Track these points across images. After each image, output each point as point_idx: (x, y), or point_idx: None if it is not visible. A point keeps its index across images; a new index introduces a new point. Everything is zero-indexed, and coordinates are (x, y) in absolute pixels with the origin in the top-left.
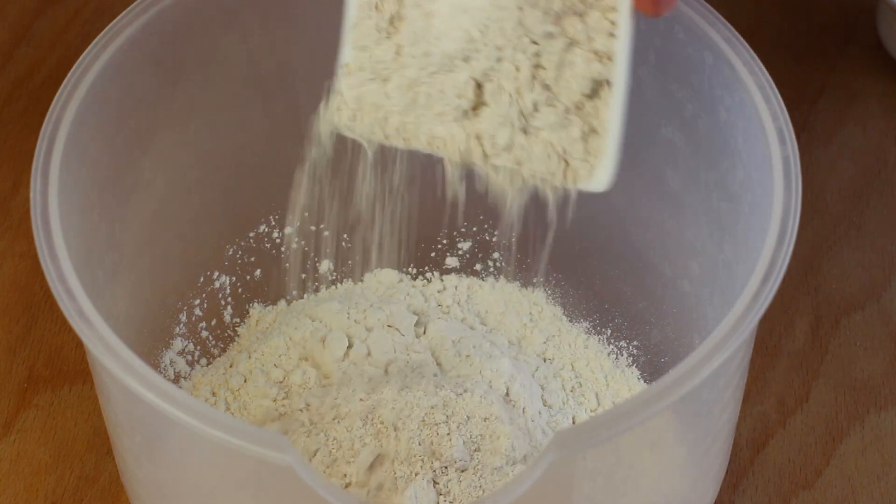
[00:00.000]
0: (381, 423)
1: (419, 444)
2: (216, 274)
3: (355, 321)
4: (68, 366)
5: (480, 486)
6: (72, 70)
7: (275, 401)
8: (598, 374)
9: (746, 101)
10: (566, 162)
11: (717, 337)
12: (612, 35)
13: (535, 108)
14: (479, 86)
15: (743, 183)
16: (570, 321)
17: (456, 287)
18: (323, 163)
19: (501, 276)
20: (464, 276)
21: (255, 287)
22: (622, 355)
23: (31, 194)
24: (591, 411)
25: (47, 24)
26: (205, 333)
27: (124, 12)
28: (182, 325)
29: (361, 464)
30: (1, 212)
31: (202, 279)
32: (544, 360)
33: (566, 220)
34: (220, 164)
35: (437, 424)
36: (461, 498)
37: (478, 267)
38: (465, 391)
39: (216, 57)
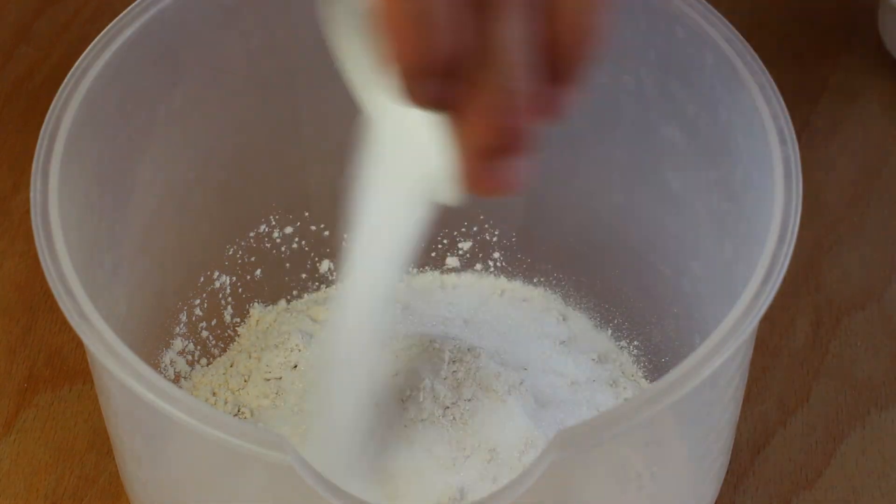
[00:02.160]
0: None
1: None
2: (216, 274)
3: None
4: (68, 366)
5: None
6: (72, 70)
7: (274, 401)
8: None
9: (747, 101)
10: None
11: (717, 337)
12: None
13: None
14: None
15: (743, 183)
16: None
17: (455, 287)
18: None
19: (502, 276)
20: (464, 275)
21: (255, 287)
22: (623, 355)
23: (31, 194)
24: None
25: (47, 24)
26: (205, 333)
27: (124, 12)
28: (182, 325)
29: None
30: (1, 212)
31: (202, 279)
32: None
33: None
34: (219, 164)
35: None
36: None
37: (478, 267)
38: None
39: (216, 57)
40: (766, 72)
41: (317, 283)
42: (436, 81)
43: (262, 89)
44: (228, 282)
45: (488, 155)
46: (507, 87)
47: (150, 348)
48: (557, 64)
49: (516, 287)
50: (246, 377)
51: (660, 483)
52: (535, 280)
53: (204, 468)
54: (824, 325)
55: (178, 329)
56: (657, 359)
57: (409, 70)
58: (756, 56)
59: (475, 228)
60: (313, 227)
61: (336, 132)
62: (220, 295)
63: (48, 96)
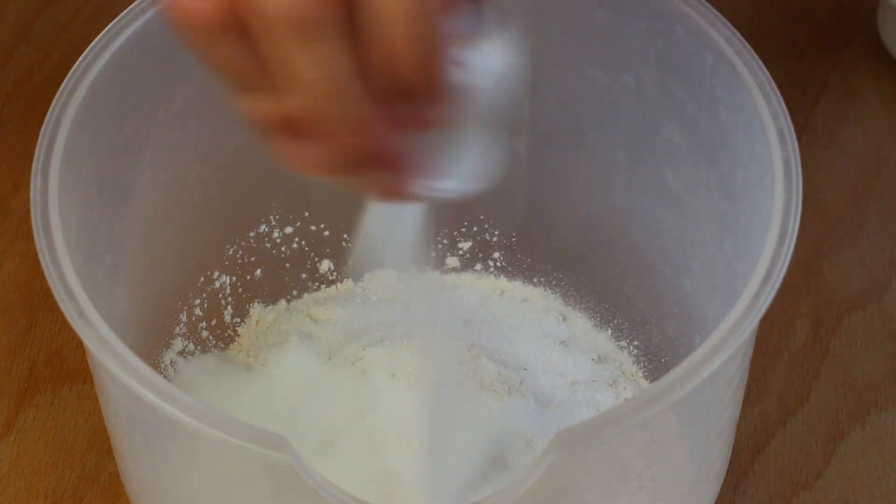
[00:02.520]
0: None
1: None
2: (216, 274)
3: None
4: (68, 366)
5: None
6: (72, 70)
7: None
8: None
9: (747, 101)
10: None
11: (717, 337)
12: None
13: None
14: None
15: (743, 183)
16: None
17: (456, 287)
18: None
19: (502, 276)
20: (464, 275)
21: (255, 287)
22: (623, 355)
23: (31, 194)
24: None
25: (47, 24)
26: (205, 333)
27: (124, 12)
28: (182, 325)
29: None
30: (1, 212)
31: (202, 279)
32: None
33: None
34: (220, 163)
35: None
36: None
37: (478, 267)
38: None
39: None
40: (766, 72)
41: (317, 283)
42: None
43: None
44: (228, 282)
45: (360, 169)
46: (336, 118)
47: (150, 348)
48: (395, 84)
49: (516, 287)
50: None
51: (660, 483)
52: (535, 280)
53: (204, 468)
54: (824, 325)
55: (178, 329)
56: (657, 359)
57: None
58: (756, 56)
59: (475, 228)
60: (313, 227)
61: None
62: (220, 295)
63: (48, 96)
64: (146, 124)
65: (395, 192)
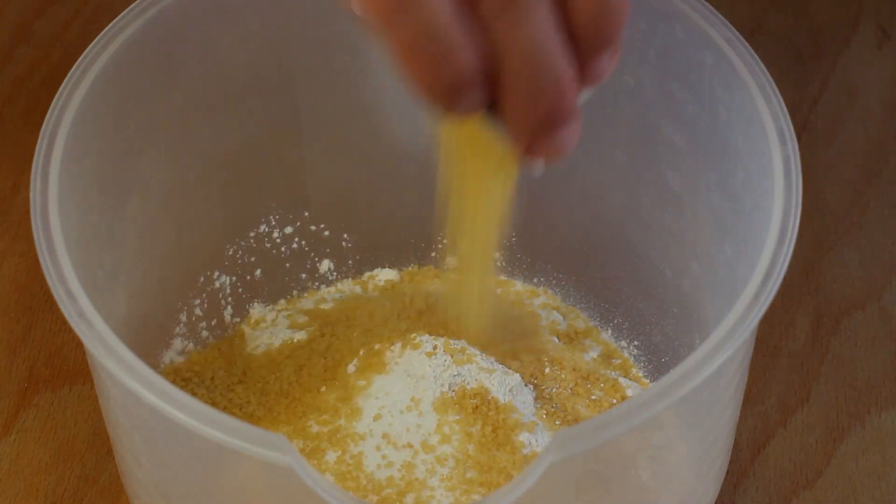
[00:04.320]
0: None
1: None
2: (216, 274)
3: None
4: (68, 366)
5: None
6: (72, 70)
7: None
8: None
9: (747, 101)
10: None
11: (717, 337)
12: None
13: None
14: None
15: (743, 183)
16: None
17: None
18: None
19: (502, 276)
20: None
21: (255, 287)
22: (622, 355)
23: (31, 194)
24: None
25: (47, 24)
26: (205, 333)
27: (124, 12)
28: (182, 325)
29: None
30: (1, 212)
31: (202, 279)
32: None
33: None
34: (219, 163)
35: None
36: None
37: None
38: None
39: (216, 57)
40: (766, 72)
41: (317, 283)
42: (475, 90)
43: (262, 89)
44: (228, 282)
45: (542, 133)
46: (545, 74)
47: (150, 348)
48: (584, 38)
49: (516, 287)
50: None
51: (660, 483)
52: (535, 280)
53: (204, 468)
54: (824, 325)
55: (178, 329)
56: (657, 359)
57: (446, 92)
58: (756, 56)
59: None
60: (313, 227)
61: (336, 132)
62: (220, 295)
63: (48, 96)
64: (146, 124)
65: (565, 147)
